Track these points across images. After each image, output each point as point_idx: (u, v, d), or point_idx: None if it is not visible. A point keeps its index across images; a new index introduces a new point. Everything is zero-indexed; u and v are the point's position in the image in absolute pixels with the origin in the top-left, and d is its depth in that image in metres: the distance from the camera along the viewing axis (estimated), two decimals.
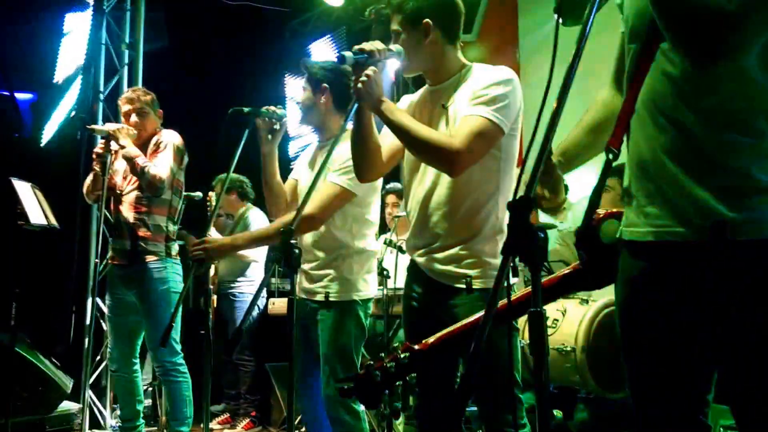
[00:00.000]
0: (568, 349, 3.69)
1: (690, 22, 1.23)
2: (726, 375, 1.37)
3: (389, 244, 4.27)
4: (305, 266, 2.87)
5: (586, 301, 3.86)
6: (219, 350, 5.58)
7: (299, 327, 2.84)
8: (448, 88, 2.24)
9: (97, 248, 5.18)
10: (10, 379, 4.05)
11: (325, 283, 2.79)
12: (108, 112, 5.51)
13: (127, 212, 3.75)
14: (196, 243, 2.74)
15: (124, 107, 3.82)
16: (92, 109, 5.54)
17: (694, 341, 1.38)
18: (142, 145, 3.76)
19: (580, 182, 5.22)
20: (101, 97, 5.57)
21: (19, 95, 6.59)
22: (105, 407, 4.93)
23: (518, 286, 4.07)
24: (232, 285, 5.43)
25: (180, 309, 3.00)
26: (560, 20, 1.37)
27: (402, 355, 1.65)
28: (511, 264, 1.16)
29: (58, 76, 6.17)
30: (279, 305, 5.04)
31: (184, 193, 3.98)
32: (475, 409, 3.18)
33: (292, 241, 1.99)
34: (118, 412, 4.05)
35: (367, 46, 2.11)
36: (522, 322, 3.27)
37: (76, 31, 5.85)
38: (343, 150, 2.57)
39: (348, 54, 2.08)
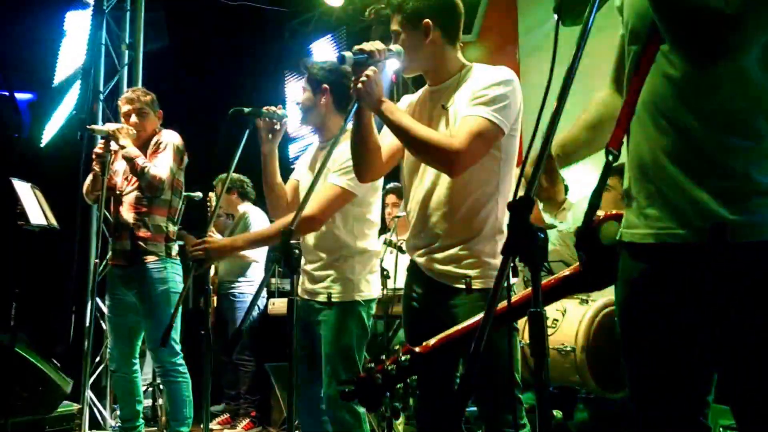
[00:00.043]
0: (568, 349, 3.69)
1: (689, 23, 1.23)
2: (726, 376, 1.37)
3: (389, 244, 4.26)
4: (307, 267, 2.87)
5: (586, 301, 3.86)
6: (219, 350, 5.59)
7: (301, 328, 2.85)
8: (448, 88, 2.24)
9: (97, 248, 5.19)
10: (10, 379, 4.04)
11: (327, 284, 2.78)
12: (108, 113, 5.51)
13: (127, 213, 3.75)
14: (196, 243, 2.74)
15: (124, 107, 3.82)
16: (92, 110, 5.54)
17: (693, 343, 1.38)
18: (142, 145, 3.76)
19: (580, 182, 5.23)
20: (101, 97, 5.58)
21: (18, 95, 6.59)
22: (105, 407, 4.93)
23: (517, 287, 4.08)
24: (232, 285, 5.44)
25: (180, 309, 3.00)
26: (560, 20, 1.37)
27: (403, 358, 1.65)
28: (511, 264, 1.16)
29: (58, 77, 6.16)
30: (279, 305, 5.04)
31: (184, 194, 3.98)
32: (474, 409, 3.18)
33: (293, 242, 1.99)
34: (117, 412, 4.05)
35: (366, 46, 2.11)
36: (522, 322, 3.27)
37: (76, 31, 5.85)
38: (343, 150, 2.57)
39: (348, 54, 2.07)
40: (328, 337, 2.74)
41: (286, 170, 3.00)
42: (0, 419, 3.87)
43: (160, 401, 4.80)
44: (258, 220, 5.39)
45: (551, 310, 3.87)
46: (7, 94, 6.18)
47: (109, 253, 3.92)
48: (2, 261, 4.70)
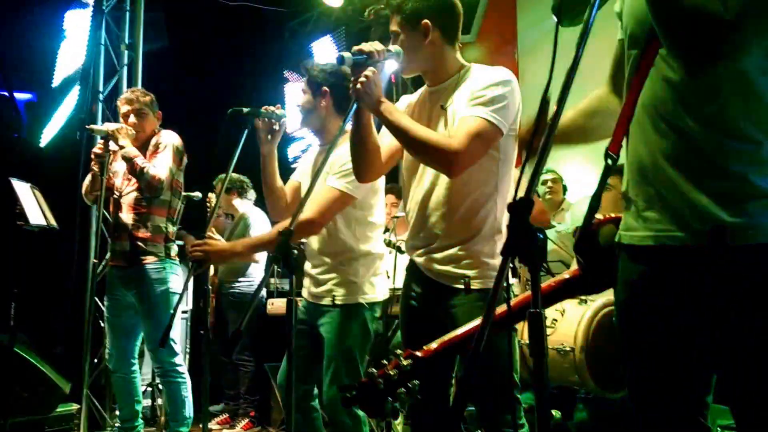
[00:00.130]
0: (567, 349, 3.69)
1: (687, 28, 1.23)
2: (725, 378, 1.37)
3: (388, 244, 4.27)
4: (312, 271, 2.87)
5: (585, 301, 3.86)
6: (218, 350, 5.59)
7: (306, 331, 2.85)
8: (446, 88, 2.24)
9: (96, 249, 5.18)
10: (10, 379, 4.04)
11: (331, 287, 2.78)
12: (107, 113, 5.51)
13: (127, 213, 3.75)
14: (196, 244, 2.73)
15: (123, 108, 3.82)
16: (91, 110, 5.54)
17: (693, 345, 1.38)
18: (141, 146, 3.76)
19: (580, 182, 5.25)
20: (101, 97, 5.57)
21: (17, 95, 6.59)
22: (104, 408, 4.93)
23: (515, 287, 4.08)
24: (232, 285, 5.43)
25: (179, 310, 3.00)
26: (559, 21, 1.37)
27: (405, 362, 1.65)
28: (511, 265, 1.16)
29: (57, 78, 6.16)
30: (278, 305, 5.04)
31: (183, 194, 3.98)
32: (473, 409, 3.18)
33: (293, 243, 1.99)
34: (117, 412, 4.05)
35: (365, 46, 2.11)
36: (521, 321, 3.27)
37: (76, 31, 5.85)
38: (342, 153, 2.56)
39: (347, 55, 2.07)
40: (330, 339, 2.74)
41: (286, 171, 3.00)
42: None
43: (160, 401, 4.80)
44: (258, 221, 5.39)
45: (550, 310, 3.87)
46: (6, 94, 6.18)
47: (108, 254, 3.91)
48: (2, 261, 4.70)
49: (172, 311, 2.99)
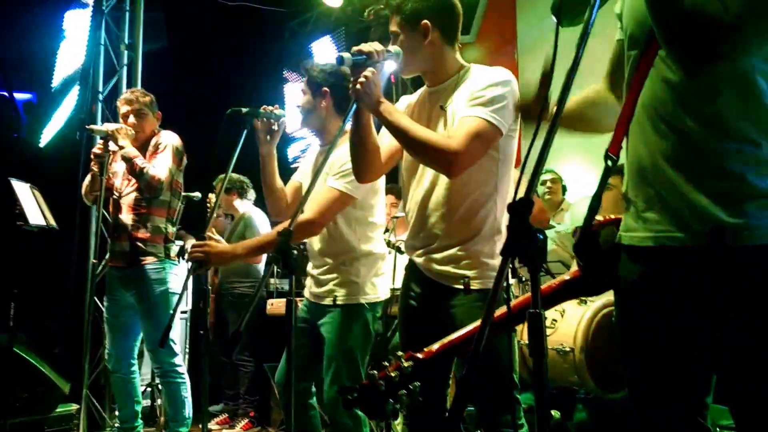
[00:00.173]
0: (567, 349, 3.70)
1: (686, 29, 1.23)
2: (725, 378, 1.37)
3: (387, 244, 4.27)
4: (314, 271, 2.87)
5: (585, 302, 3.86)
6: (218, 351, 5.59)
7: (307, 329, 2.85)
8: (446, 89, 2.24)
9: (96, 249, 5.18)
10: (9, 379, 4.04)
11: (332, 287, 2.78)
12: (107, 113, 5.51)
13: (126, 214, 3.75)
14: (196, 244, 2.73)
15: (123, 108, 3.82)
16: (91, 110, 5.54)
17: (692, 345, 1.38)
18: (141, 146, 3.76)
19: (579, 182, 5.25)
20: (100, 97, 5.57)
21: (17, 95, 6.59)
22: (104, 408, 4.93)
23: (513, 287, 4.07)
24: (233, 285, 5.43)
25: (178, 310, 3.00)
26: (558, 21, 1.37)
27: (406, 364, 1.65)
28: (510, 265, 1.16)
29: (57, 78, 6.16)
30: (277, 306, 5.04)
31: (183, 194, 3.98)
32: (473, 409, 3.19)
33: (293, 244, 1.99)
34: (116, 412, 4.05)
35: (365, 47, 2.11)
36: None
37: (76, 31, 5.85)
38: (342, 153, 2.56)
39: (346, 55, 2.07)
40: (331, 339, 2.74)
41: (286, 171, 3.00)
42: None
43: (159, 401, 4.80)
44: (258, 221, 5.39)
45: (550, 311, 3.87)
46: (6, 94, 6.18)
47: (108, 254, 3.91)
48: (1, 261, 4.70)
49: (171, 311, 2.98)
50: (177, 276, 3.79)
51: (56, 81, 6.15)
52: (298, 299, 3.18)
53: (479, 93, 2.10)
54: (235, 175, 5.38)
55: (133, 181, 3.72)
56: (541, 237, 1.13)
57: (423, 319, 2.26)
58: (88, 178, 3.80)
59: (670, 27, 1.27)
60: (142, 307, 3.72)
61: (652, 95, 1.40)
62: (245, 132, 2.71)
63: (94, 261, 4.76)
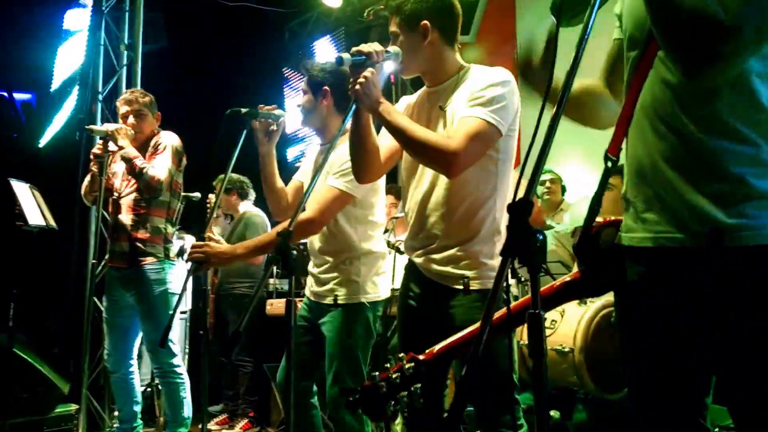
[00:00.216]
0: (567, 349, 3.69)
1: (685, 31, 1.23)
2: (725, 378, 1.37)
3: (387, 244, 4.26)
4: (314, 270, 2.87)
5: (585, 302, 3.86)
6: (218, 351, 5.59)
7: (308, 328, 2.85)
8: (446, 89, 2.24)
9: (95, 249, 5.18)
10: (9, 379, 4.04)
11: (333, 286, 2.78)
12: (107, 113, 5.51)
13: (126, 214, 3.74)
14: (196, 244, 2.73)
15: (122, 109, 3.82)
16: (91, 110, 5.54)
17: (692, 345, 1.38)
18: (141, 146, 3.76)
19: (578, 182, 5.25)
20: (100, 97, 5.57)
21: (16, 95, 6.59)
22: (103, 408, 4.93)
23: (512, 287, 4.07)
24: (232, 286, 5.43)
25: (178, 310, 3.00)
26: (558, 21, 1.38)
27: (407, 366, 1.65)
28: (510, 266, 1.16)
29: (57, 78, 6.16)
30: (277, 306, 5.04)
31: (182, 194, 3.98)
32: (472, 409, 3.19)
33: (293, 244, 1.99)
34: (116, 413, 4.05)
35: (364, 47, 2.11)
36: None
37: (75, 31, 5.85)
38: (342, 152, 2.56)
39: (345, 56, 2.07)
40: (332, 338, 2.74)
41: (286, 172, 3.00)
42: None
43: (159, 402, 4.80)
44: (258, 221, 5.39)
45: (550, 311, 3.87)
46: (5, 94, 6.18)
47: (107, 255, 3.91)
48: (1, 261, 4.70)
49: (171, 312, 2.98)
50: (176, 276, 3.79)
51: (56, 81, 6.16)
52: (297, 300, 3.18)
53: (479, 93, 2.10)
54: (235, 175, 5.38)
55: (133, 181, 3.72)
56: (541, 237, 1.13)
57: (422, 319, 2.26)
58: (88, 178, 3.81)
59: (669, 28, 1.27)
60: (142, 307, 3.72)
61: (651, 96, 1.41)
62: (245, 132, 2.71)
63: (94, 261, 4.75)
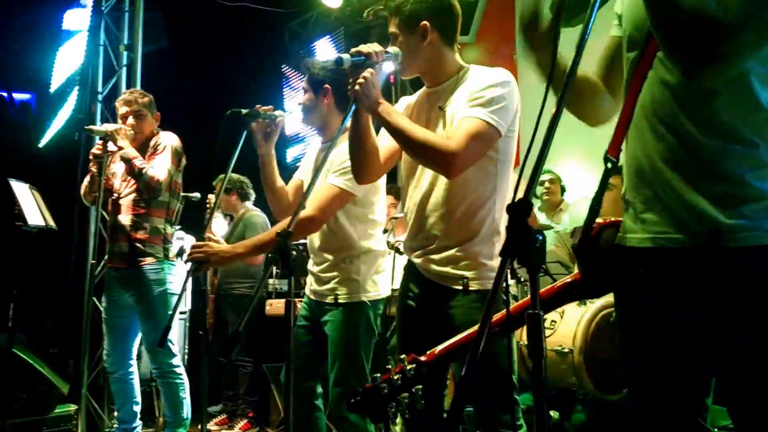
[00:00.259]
0: (566, 350, 3.70)
1: (685, 31, 1.23)
2: (724, 378, 1.37)
3: (386, 245, 4.26)
4: (314, 269, 2.87)
5: (584, 303, 3.86)
6: (218, 351, 5.58)
7: (309, 327, 2.85)
8: (445, 90, 2.24)
9: (95, 250, 5.18)
10: (8, 379, 4.04)
11: (333, 285, 2.78)
12: (106, 113, 5.51)
13: (125, 215, 3.74)
14: (196, 245, 2.73)
15: (122, 109, 3.81)
16: (90, 110, 5.54)
17: (692, 345, 1.38)
18: (140, 147, 3.75)
19: (578, 183, 5.25)
20: (99, 98, 5.57)
21: (15, 95, 6.60)
22: (102, 408, 4.93)
23: (511, 288, 4.07)
24: (232, 286, 5.43)
25: (177, 311, 2.99)
26: (558, 21, 1.37)
27: (408, 367, 1.65)
28: (509, 266, 1.16)
29: (56, 78, 6.16)
30: (276, 306, 5.04)
31: (182, 194, 3.98)
32: (471, 409, 3.19)
33: (293, 243, 1.99)
34: (115, 413, 4.05)
35: (364, 48, 2.11)
36: None
37: (75, 31, 5.85)
38: (343, 151, 2.56)
39: (345, 56, 2.07)
40: (334, 338, 2.74)
41: (286, 172, 3.00)
42: None
43: (158, 402, 4.80)
44: (258, 221, 5.39)
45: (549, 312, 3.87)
46: (5, 94, 6.18)
47: (107, 255, 3.91)
48: (0, 262, 4.70)
49: (170, 312, 2.98)
50: (176, 276, 3.79)
51: (55, 82, 6.15)
52: (297, 300, 3.17)
53: (478, 94, 2.10)
54: (235, 176, 5.38)
55: (132, 181, 3.71)
56: (540, 238, 1.13)
57: (421, 319, 2.26)
58: (87, 178, 3.81)
59: (668, 28, 1.27)
60: (141, 307, 3.71)
61: (650, 97, 1.41)
62: (245, 132, 2.71)
63: (93, 261, 4.74)
